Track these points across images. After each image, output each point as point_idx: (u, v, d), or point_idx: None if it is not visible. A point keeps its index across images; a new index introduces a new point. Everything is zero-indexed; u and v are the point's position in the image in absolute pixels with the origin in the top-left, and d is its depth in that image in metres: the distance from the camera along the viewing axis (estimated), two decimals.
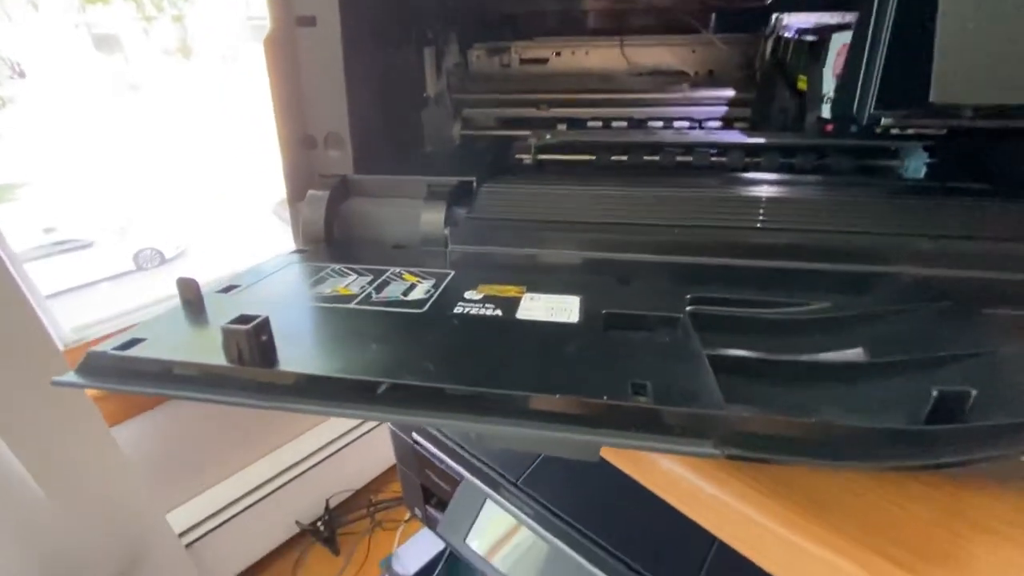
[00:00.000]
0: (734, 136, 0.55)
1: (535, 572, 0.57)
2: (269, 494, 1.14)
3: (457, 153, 0.63)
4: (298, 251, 0.43)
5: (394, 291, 0.35)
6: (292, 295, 0.34)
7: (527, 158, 0.58)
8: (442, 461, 0.59)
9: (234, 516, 1.10)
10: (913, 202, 0.38)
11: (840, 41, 0.49)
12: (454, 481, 0.60)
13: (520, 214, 0.42)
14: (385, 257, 0.41)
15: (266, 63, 0.43)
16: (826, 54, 0.52)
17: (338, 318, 0.31)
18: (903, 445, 0.20)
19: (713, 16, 0.69)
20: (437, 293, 0.34)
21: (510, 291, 0.34)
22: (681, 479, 0.31)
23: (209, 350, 0.27)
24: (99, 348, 0.27)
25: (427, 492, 0.67)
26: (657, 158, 0.55)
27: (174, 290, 0.32)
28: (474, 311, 0.32)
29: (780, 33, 0.59)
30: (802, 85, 0.56)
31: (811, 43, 0.55)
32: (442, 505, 0.65)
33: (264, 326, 0.26)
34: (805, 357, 0.27)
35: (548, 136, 0.58)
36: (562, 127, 0.70)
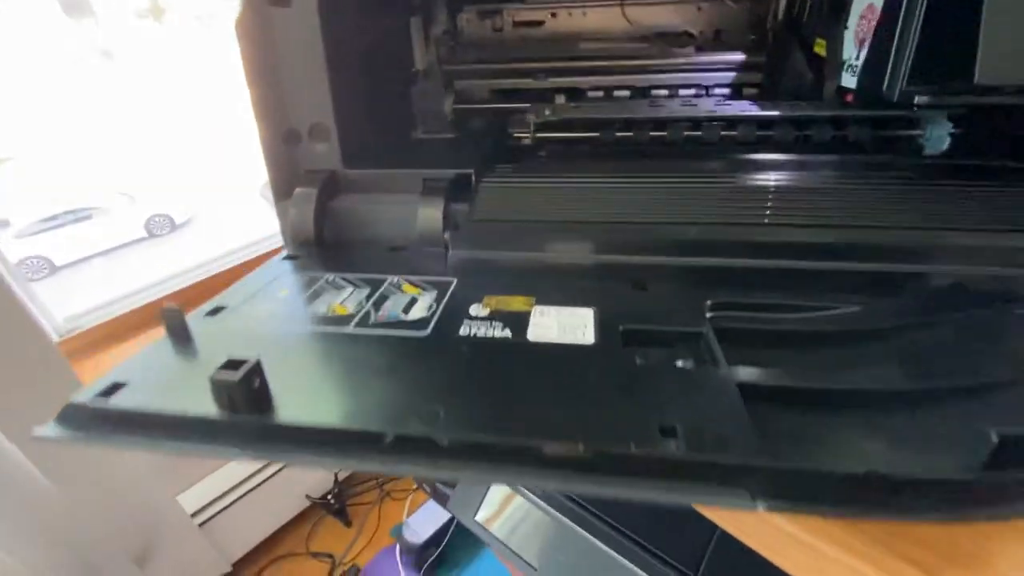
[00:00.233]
0: (745, 107, 0.51)
1: (542, 546, 0.58)
2: (279, 471, 1.16)
3: (451, 138, 0.59)
4: (288, 257, 0.40)
5: (394, 308, 0.32)
6: (285, 317, 0.32)
7: (526, 136, 0.55)
8: None
9: (246, 493, 1.11)
10: (945, 187, 0.36)
11: (864, 1, 0.45)
12: None
13: (523, 214, 0.39)
14: (382, 262, 0.39)
15: (239, 50, 0.39)
16: (847, 15, 0.47)
17: (336, 347, 0.29)
18: (967, 498, 0.19)
19: None
20: (440, 309, 0.32)
21: (518, 303, 0.32)
22: None
23: (199, 393, 0.24)
24: (79, 399, 0.25)
25: None
26: (664, 133, 0.52)
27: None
28: (481, 332, 0.29)
29: None
30: (820, 49, 0.52)
31: (831, 2, 0.50)
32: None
33: (255, 371, 0.24)
34: (841, 385, 0.25)
35: (548, 112, 0.54)
36: (561, 99, 0.66)
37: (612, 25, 0.67)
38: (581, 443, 0.21)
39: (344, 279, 0.36)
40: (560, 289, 0.33)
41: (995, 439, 0.19)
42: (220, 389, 0.23)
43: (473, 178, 0.41)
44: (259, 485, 1.13)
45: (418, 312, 0.32)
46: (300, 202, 0.41)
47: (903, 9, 0.35)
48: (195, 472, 1.09)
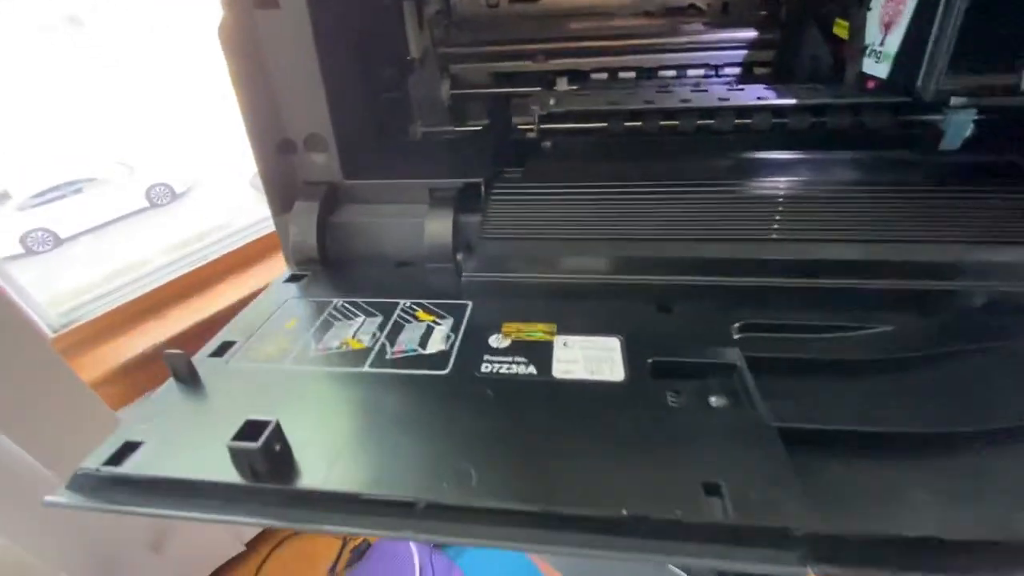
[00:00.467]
0: (760, 93, 0.49)
1: None
2: None
3: (453, 135, 0.56)
4: (293, 277, 0.38)
5: (410, 341, 0.31)
6: (297, 356, 0.30)
7: (531, 128, 0.52)
8: None
9: None
10: (969, 196, 0.34)
11: None
12: None
13: (536, 230, 0.37)
14: (391, 283, 0.37)
15: (224, 58, 0.36)
16: None
17: (356, 392, 0.28)
18: None
19: None
20: (458, 340, 0.31)
21: (539, 332, 0.31)
22: None
23: (216, 455, 0.23)
24: (90, 465, 0.24)
25: None
26: (676, 123, 0.49)
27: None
28: (504, 370, 0.28)
29: None
30: (840, 31, 0.49)
31: None
32: None
33: (275, 436, 0.22)
34: (891, 428, 0.24)
35: (552, 102, 0.51)
36: (563, 81, 0.62)
37: None
38: (624, 509, 0.20)
39: (353, 304, 0.34)
40: (581, 314, 0.32)
41: None
42: (240, 457, 0.22)
43: (482, 188, 0.39)
44: None
45: (436, 344, 0.30)
46: (300, 219, 0.39)
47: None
48: None
